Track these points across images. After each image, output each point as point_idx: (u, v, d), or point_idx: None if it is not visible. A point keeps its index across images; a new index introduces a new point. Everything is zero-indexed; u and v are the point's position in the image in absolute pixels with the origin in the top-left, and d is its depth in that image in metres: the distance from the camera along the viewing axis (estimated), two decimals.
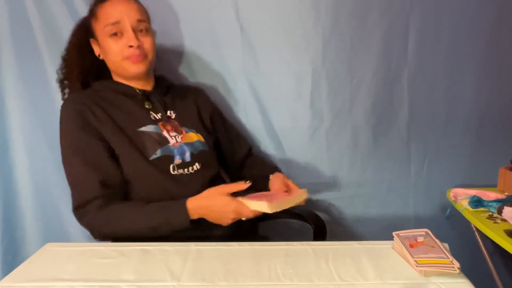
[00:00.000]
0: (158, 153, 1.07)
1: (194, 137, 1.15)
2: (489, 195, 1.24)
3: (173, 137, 1.11)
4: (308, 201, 1.44)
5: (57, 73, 1.19)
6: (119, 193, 1.04)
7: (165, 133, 1.11)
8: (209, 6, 1.31)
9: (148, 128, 1.10)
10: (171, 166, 1.07)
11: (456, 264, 0.74)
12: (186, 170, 1.09)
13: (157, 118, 1.13)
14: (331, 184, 1.44)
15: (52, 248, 0.88)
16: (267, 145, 1.42)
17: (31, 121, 1.31)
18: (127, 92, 1.13)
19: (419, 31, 1.34)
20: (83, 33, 1.15)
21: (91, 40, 1.13)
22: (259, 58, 1.35)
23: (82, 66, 1.17)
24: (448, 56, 1.36)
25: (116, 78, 1.15)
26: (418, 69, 1.37)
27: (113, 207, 0.99)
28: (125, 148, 1.05)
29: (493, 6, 1.33)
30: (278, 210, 0.92)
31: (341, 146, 1.41)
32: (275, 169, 1.25)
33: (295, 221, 1.29)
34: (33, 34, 1.27)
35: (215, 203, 0.96)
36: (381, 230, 1.44)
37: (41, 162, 1.33)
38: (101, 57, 1.14)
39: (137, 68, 1.10)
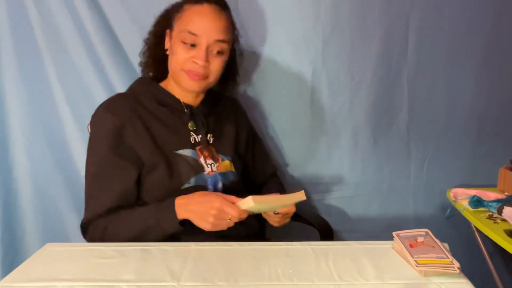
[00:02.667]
0: (192, 182, 1.02)
1: (228, 166, 1.10)
2: (489, 195, 1.24)
3: (209, 165, 1.05)
4: (308, 202, 1.45)
5: (139, 56, 1.18)
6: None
7: (201, 160, 1.05)
8: None
9: (186, 152, 1.04)
10: None
11: (456, 264, 0.74)
12: None
13: (197, 141, 1.07)
14: (331, 184, 1.44)
15: (52, 248, 0.88)
16: (267, 145, 1.42)
17: (31, 121, 1.31)
18: (171, 105, 1.08)
19: (419, 31, 1.34)
20: (164, 21, 1.10)
21: (167, 31, 1.08)
22: (259, 58, 1.35)
23: (157, 55, 1.13)
24: (448, 56, 1.36)
25: (168, 80, 1.11)
26: (418, 69, 1.37)
27: (112, 221, 0.96)
28: (159, 171, 1.00)
29: (493, 6, 1.33)
30: (264, 205, 0.91)
31: (341, 146, 1.41)
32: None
33: (301, 224, 1.29)
34: (33, 34, 1.27)
35: (201, 198, 0.92)
36: (381, 230, 1.44)
37: (41, 162, 1.33)
38: (167, 52, 1.08)
39: (193, 86, 1.04)
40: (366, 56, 1.35)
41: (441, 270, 0.74)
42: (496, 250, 1.39)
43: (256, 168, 1.27)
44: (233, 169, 1.11)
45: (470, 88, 1.39)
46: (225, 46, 1.04)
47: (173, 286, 0.72)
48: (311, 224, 1.18)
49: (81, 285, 0.73)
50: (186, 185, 1.01)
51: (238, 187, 1.11)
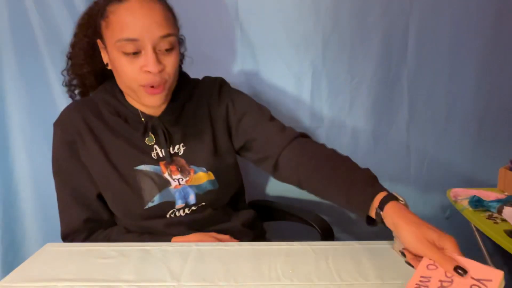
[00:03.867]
0: (156, 200, 0.93)
1: (203, 177, 0.97)
2: (489, 195, 1.24)
3: (175, 180, 0.95)
4: (308, 202, 1.45)
5: (63, 74, 1.03)
6: (105, 225, 1.00)
7: (166, 175, 0.95)
8: (209, 6, 1.31)
9: (147, 168, 0.94)
10: (169, 212, 0.95)
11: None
12: (188, 209, 0.97)
13: (160, 155, 0.96)
14: None
15: (52, 248, 0.88)
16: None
17: (31, 121, 1.31)
18: (129, 117, 0.96)
19: (419, 31, 1.34)
20: (91, 30, 0.94)
21: (98, 41, 0.93)
22: (259, 58, 1.35)
23: (91, 69, 0.99)
24: (448, 56, 1.36)
25: (125, 93, 0.97)
26: (418, 69, 1.37)
27: (96, 238, 0.97)
28: (115, 191, 0.94)
29: (492, 6, 1.33)
30: None
31: (341, 146, 1.41)
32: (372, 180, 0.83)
33: (301, 224, 1.29)
34: (33, 34, 1.27)
35: (196, 238, 0.93)
36: (381, 230, 1.44)
37: (41, 162, 1.32)
38: (109, 67, 0.93)
39: (154, 101, 0.90)
40: (366, 56, 1.35)
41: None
42: (496, 250, 1.38)
43: (261, 149, 1.00)
44: (211, 177, 0.98)
45: (470, 88, 1.39)
46: (173, 40, 0.88)
47: (173, 286, 0.72)
48: (311, 224, 1.18)
49: (81, 285, 0.73)
50: (150, 204, 0.93)
51: (218, 194, 0.99)
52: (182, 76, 1.04)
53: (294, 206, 1.42)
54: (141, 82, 0.87)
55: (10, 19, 1.25)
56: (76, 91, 1.06)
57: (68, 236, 0.99)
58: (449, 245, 0.66)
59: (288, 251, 0.84)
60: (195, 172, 0.97)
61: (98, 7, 0.90)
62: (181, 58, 1.10)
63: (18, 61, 1.28)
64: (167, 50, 0.88)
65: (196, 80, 1.08)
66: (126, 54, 0.85)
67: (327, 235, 1.14)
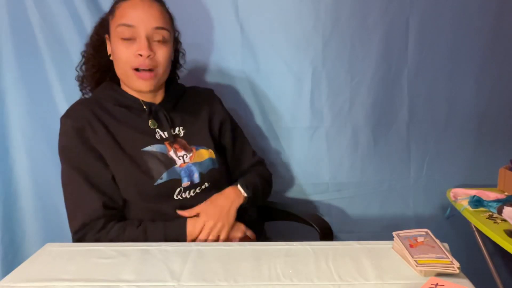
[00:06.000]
0: (164, 177, 1.00)
1: (205, 154, 1.08)
2: (489, 195, 1.24)
3: (180, 157, 1.04)
4: (308, 202, 1.45)
5: (77, 70, 1.14)
6: (120, 214, 1.02)
7: (171, 153, 1.03)
8: (209, 6, 1.31)
9: (154, 148, 1.02)
10: (177, 190, 1.01)
11: (456, 264, 0.74)
12: (192, 191, 1.04)
13: (164, 137, 1.05)
14: (331, 184, 1.44)
15: (52, 248, 0.88)
16: (267, 145, 1.42)
17: (31, 121, 1.31)
18: (131, 106, 1.06)
19: (419, 31, 1.34)
20: (102, 29, 1.08)
21: (106, 36, 1.06)
22: (259, 58, 1.35)
23: (99, 64, 1.10)
24: (448, 56, 1.36)
25: (123, 85, 1.08)
26: (418, 69, 1.37)
27: (110, 230, 0.97)
28: (126, 172, 0.99)
29: (493, 6, 1.33)
30: None
31: (341, 146, 1.41)
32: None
33: (301, 224, 1.29)
34: (33, 34, 1.27)
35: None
36: (381, 230, 1.44)
37: (41, 162, 1.32)
38: (111, 58, 1.06)
39: (144, 85, 1.01)
40: (366, 56, 1.35)
41: (441, 270, 0.74)
42: (496, 250, 1.39)
43: (234, 158, 1.22)
44: (213, 155, 1.09)
45: (470, 88, 1.39)
46: (165, 34, 1.01)
47: (173, 286, 0.72)
48: (311, 225, 1.18)
49: (81, 285, 0.73)
50: (159, 181, 0.99)
51: (219, 174, 1.09)
52: (175, 81, 1.19)
53: (294, 206, 1.43)
54: (133, 64, 0.99)
55: (10, 19, 1.25)
56: (88, 88, 1.15)
57: (85, 226, 0.97)
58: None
59: (288, 251, 0.84)
60: (196, 149, 1.07)
61: (110, 9, 1.05)
62: (177, 60, 1.20)
63: (18, 61, 1.28)
64: (160, 41, 1.01)
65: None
66: (123, 40, 0.98)
67: (326, 235, 1.14)
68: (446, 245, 0.83)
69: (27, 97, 1.30)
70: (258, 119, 1.40)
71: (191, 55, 1.29)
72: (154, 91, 1.07)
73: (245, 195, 1.07)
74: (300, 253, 0.83)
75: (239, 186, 1.08)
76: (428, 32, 1.34)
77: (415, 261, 0.76)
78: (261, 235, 1.17)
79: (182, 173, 1.02)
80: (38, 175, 1.34)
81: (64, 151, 1.01)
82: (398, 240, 0.83)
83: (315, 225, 1.16)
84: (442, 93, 1.39)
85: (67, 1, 1.26)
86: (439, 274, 0.74)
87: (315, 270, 0.76)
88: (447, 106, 1.40)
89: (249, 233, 1.07)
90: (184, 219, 1.00)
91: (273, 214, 1.32)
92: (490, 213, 1.17)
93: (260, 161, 1.27)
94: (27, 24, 1.26)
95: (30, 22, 1.26)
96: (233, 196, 1.06)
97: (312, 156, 1.42)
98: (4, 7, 1.25)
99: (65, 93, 1.30)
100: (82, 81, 1.15)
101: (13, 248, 1.34)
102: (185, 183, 1.02)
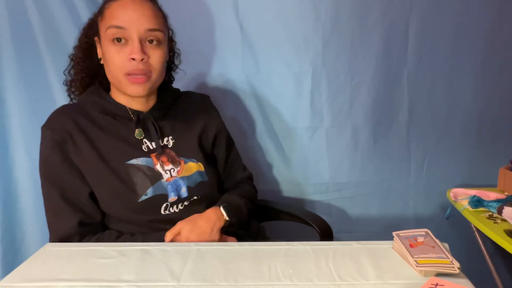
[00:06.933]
0: (149, 193, 0.95)
1: (193, 167, 1.02)
2: (489, 195, 1.24)
3: (167, 172, 0.98)
4: (308, 202, 1.45)
5: (65, 74, 1.09)
6: (97, 228, 0.99)
7: (158, 167, 0.97)
8: (209, 6, 1.31)
9: (139, 161, 0.96)
10: (163, 206, 0.97)
11: (456, 264, 0.74)
12: (181, 205, 0.99)
13: (151, 148, 0.99)
14: (331, 184, 1.44)
15: (52, 248, 0.88)
16: (267, 145, 1.42)
17: (31, 121, 1.31)
18: (118, 114, 0.99)
19: (419, 31, 1.34)
20: (91, 31, 1.02)
21: (95, 38, 1.01)
22: (259, 58, 1.35)
23: (88, 68, 1.06)
24: (448, 56, 1.36)
25: (113, 90, 1.03)
26: (418, 69, 1.37)
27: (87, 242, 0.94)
28: (108, 187, 0.94)
29: (493, 6, 1.33)
30: None
31: (341, 146, 1.41)
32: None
33: (301, 224, 1.29)
34: (33, 34, 1.27)
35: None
36: (381, 230, 1.44)
37: None
38: (101, 62, 1.00)
39: (137, 90, 0.95)
40: (366, 56, 1.35)
41: (441, 270, 0.74)
42: (496, 250, 1.39)
43: (225, 171, 1.17)
44: (201, 168, 1.03)
45: (470, 88, 1.39)
46: (159, 35, 0.95)
47: (173, 286, 0.72)
48: (311, 224, 1.18)
49: (81, 285, 0.73)
50: (144, 197, 0.94)
51: (208, 186, 1.04)
52: (169, 85, 1.14)
53: (294, 206, 1.43)
54: (126, 70, 0.93)
55: (10, 19, 1.25)
56: (76, 92, 1.10)
57: (62, 241, 0.95)
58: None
59: (288, 251, 0.84)
60: (185, 162, 1.01)
61: (98, 10, 0.99)
62: (172, 61, 1.16)
63: (18, 61, 1.28)
64: (153, 43, 0.95)
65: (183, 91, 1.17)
66: (115, 43, 0.93)
67: (326, 235, 1.14)
68: (446, 245, 0.83)
69: (27, 97, 1.30)
70: (258, 119, 1.40)
71: (190, 56, 1.29)
72: (146, 95, 1.01)
73: (227, 218, 1.01)
74: (300, 253, 0.83)
75: (221, 208, 1.01)
76: (428, 32, 1.34)
77: (415, 261, 0.76)
78: (258, 235, 1.17)
79: (169, 188, 0.97)
80: (38, 175, 1.34)
81: (44, 165, 0.99)
82: (398, 240, 0.83)
83: (315, 225, 1.16)
84: (442, 93, 1.39)
85: (67, 1, 1.26)
86: (439, 274, 0.74)
87: (315, 270, 0.76)
88: (447, 106, 1.40)
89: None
90: (163, 232, 0.95)
91: (273, 214, 1.32)
92: (490, 213, 1.17)
93: (249, 176, 1.23)
94: (27, 24, 1.26)
95: (30, 22, 1.26)
96: (214, 218, 0.99)
97: (312, 156, 1.42)
98: (4, 7, 1.24)
99: (65, 93, 1.30)
100: (70, 86, 1.09)
101: (13, 248, 1.34)
102: (172, 198, 0.98)
